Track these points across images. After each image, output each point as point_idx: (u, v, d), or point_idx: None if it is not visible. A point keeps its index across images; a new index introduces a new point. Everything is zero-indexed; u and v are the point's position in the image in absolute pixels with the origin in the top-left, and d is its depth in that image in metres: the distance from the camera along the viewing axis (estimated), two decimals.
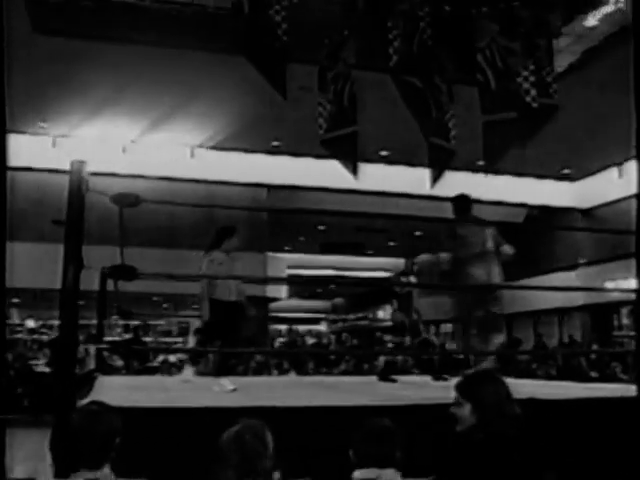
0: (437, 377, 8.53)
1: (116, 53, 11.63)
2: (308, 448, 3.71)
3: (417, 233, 22.74)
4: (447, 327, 26.17)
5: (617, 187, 17.78)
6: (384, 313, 30.85)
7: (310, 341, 28.44)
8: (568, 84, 10.18)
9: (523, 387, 5.87)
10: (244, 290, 6.96)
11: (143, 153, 16.36)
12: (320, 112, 7.99)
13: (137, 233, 14.00)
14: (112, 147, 15.99)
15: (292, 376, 14.22)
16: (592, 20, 11.26)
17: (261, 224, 17.07)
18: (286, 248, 24.22)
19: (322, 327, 34.77)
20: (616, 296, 16.90)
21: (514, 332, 21.92)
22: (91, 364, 10.02)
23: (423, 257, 8.59)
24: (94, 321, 9.36)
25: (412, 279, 9.23)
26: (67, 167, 3.92)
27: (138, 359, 16.14)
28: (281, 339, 28.69)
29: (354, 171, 8.05)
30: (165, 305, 22.19)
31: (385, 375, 8.59)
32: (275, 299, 19.71)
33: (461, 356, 12.23)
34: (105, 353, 10.33)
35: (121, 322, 20.75)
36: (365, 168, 11.75)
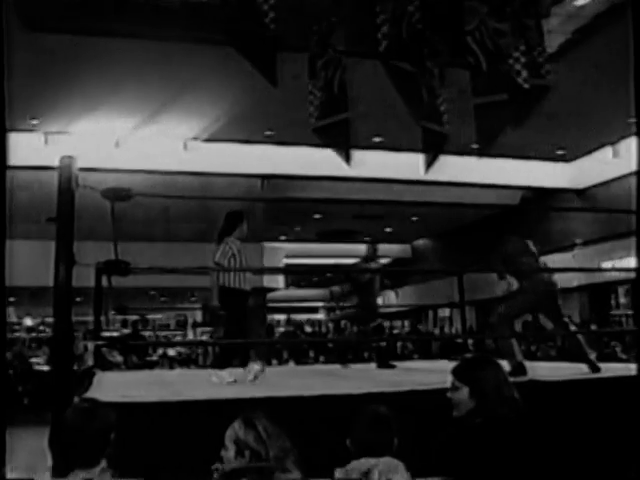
0: (383, 365, 8.49)
1: (106, 48, 11.54)
2: (310, 437, 3.70)
3: (413, 218, 22.74)
4: (444, 312, 26.27)
5: (612, 167, 17.76)
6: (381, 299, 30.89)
7: (309, 330, 28.51)
8: (560, 64, 10.14)
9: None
10: (253, 280, 6.93)
11: (136, 147, 16.30)
12: (311, 100, 7.95)
13: (132, 227, 13.97)
14: (105, 142, 15.92)
15: (292, 365, 14.23)
16: None
17: (257, 214, 17.04)
18: (282, 238, 24.20)
19: (320, 315, 34.79)
20: (613, 275, 16.92)
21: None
22: (90, 360, 10.01)
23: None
24: (92, 317, 9.34)
25: (374, 265, 9.13)
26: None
27: (137, 354, 16.15)
28: (281, 329, 28.71)
29: (347, 158, 8.02)
30: (162, 299, 22.18)
31: (384, 362, 8.58)
32: (273, 289, 19.70)
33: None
34: (104, 349, 10.30)
35: (119, 317, 20.76)
36: (358, 155, 11.72)
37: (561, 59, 10.85)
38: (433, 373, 6.41)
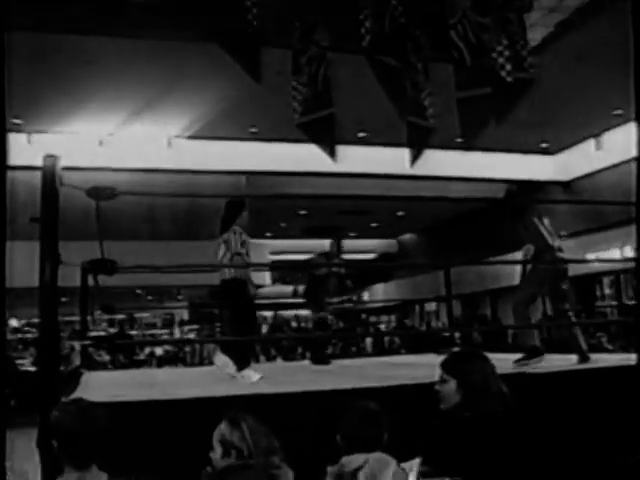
0: (318, 361, 8.42)
1: (89, 46, 11.48)
2: (300, 433, 3.70)
3: (399, 213, 22.77)
4: (431, 306, 26.33)
5: (595, 159, 17.87)
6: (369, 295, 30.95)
7: (295, 326, 28.50)
8: (542, 57, 10.18)
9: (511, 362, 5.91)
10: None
11: (120, 146, 16.21)
12: (294, 96, 7.95)
13: (117, 226, 13.91)
14: (89, 141, 15.83)
15: (279, 362, 14.22)
16: None
17: None
18: (268, 234, 24.15)
19: (307, 311, 34.79)
20: (598, 266, 17.02)
21: (499, 308, 22.08)
22: (76, 360, 9.96)
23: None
24: (78, 317, 9.29)
25: (336, 261, 9.03)
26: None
27: (124, 353, 16.09)
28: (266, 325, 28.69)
29: (332, 154, 8.02)
30: (149, 297, 22.10)
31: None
32: (259, 286, 19.67)
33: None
34: (90, 349, 10.26)
35: (105, 317, 20.66)
36: (343, 150, 11.72)
37: (543, 52, 10.89)
38: (421, 367, 6.42)
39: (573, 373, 5.35)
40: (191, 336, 24.06)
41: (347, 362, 9.69)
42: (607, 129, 17.02)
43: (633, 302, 16.46)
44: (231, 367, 6.01)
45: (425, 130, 8.06)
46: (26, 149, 14.98)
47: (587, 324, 16.26)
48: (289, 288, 33.44)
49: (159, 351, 19.24)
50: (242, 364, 6.02)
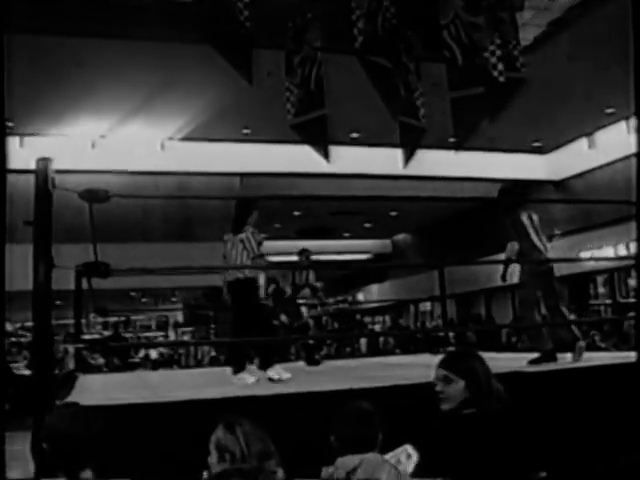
0: (311, 362, 8.59)
1: (81, 48, 11.45)
2: (295, 434, 3.70)
3: (393, 213, 22.77)
4: (425, 306, 26.33)
5: (587, 158, 17.90)
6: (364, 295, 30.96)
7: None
8: (534, 57, 10.19)
9: (507, 361, 5.92)
10: None
11: (113, 148, 16.18)
12: (288, 97, 7.96)
13: (110, 229, 13.89)
14: (81, 144, 15.80)
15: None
16: None
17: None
18: (262, 235, 24.10)
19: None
20: (592, 265, 17.05)
21: (493, 307, 22.10)
22: (71, 363, 9.94)
23: None
24: (73, 320, 9.27)
25: (304, 273, 9.20)
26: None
27: (119, 356, 16.06)
28: None
29: (325, 154, 8.04)
30: (143, 300, 22.07)
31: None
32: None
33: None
34: (85, 352, 10.23)
35: (100, 319, 20.63)
36: (336, 151, 11.74)
37: (535, 52, 10.90)
38: (416, 367, 6.42)
39: (567, 372, 5.35)
40: (186, 338, 24.05)
41: (341, 363, 9.69)
42: (599, 128, 17.06)
43: (632, 300, 16.50)
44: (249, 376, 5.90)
45: (418, 130, 8.08)
46: (19, 152, 14.95)
47: (580, 322, 16.30)
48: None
49: (154, 354, 19.22)
50: (239, 367, 5.98)
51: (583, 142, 18.15)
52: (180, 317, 25.29)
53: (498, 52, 7.16)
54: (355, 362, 9.64)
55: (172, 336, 24.95)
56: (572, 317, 17.15)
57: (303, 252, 9.47)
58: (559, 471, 3.84)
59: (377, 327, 30.21)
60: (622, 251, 15.97)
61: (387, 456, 3.04)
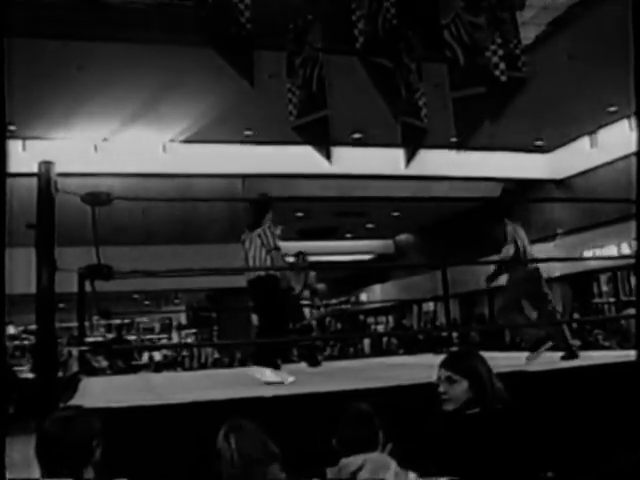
0: (313, 363, 8.58)
1: (84, 52, 11.46)
2: (299, 435, 3.70)
3: (395, 214, 22.77)
4: (429, 306, 26.32)
5: (590, 156, 17.89)
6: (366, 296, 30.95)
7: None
8: (536, 56, 10.19)
9: (510, 360, 5.91)
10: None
11: (115, 151, 16.20)
12: (290, 98, 7.97)
13: (112, 231, 13.90)
14: (84, 147, 15.82)
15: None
16: None
17: (238, 214, 16.97)
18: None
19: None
20: (594, 264, 17.04)
21: (495, 307, 22.06)
22: (75, 366, 9.94)
23: None
24: (76, 323, 9.28)
25: (302, 274, 9.19)
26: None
27: (122, 358, 16.07)
28: None
29: (328, 155, 8.04)
30: (146, 302, 22.08)
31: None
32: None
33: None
34: (88, 354, 10.24)
35: (103, 322, 20.64)
36: (338, 152, 11.74)
37: (536, 51, 10.90)
38: (419, 368, 6.42)
39: (570, 371, 5.34)
40: (189, 340, 24.05)
41: (344, 363, 9.69)
42: (602, 126, 17.04)
43: (632, 298, 16.49)
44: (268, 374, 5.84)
45: (419, 130, 8.07)
46: (21, 156, 14.97)
47: (583, 321, 16.29)
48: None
49: (157, 356, 19.23)
50: (270, 364, 5.87)
51: (585, 141, 18.14)
52: (183, 319, 25.30)
53: (499, 51, 7.16)
54: (358, 363, 9.64)
55: (175, 338, 24.95)
56: (575, 317, 17.21)
57: (299, 255, 9.46)
58: (564, 471, 3.84)
59: (380, 327, 30.21)
60: (625, 249, 15.96)
61: None
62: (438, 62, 8.13)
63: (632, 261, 14.57)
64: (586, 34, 11.36)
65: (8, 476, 2.80)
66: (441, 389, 3.18)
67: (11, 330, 20.66)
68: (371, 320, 31.68)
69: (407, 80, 7.79)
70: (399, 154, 8.55)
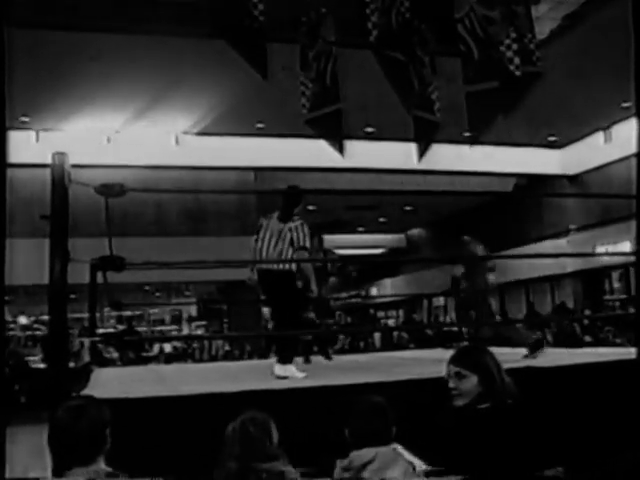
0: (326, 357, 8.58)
1: (96, 43, 11.49)
2: (310, 428, 3.70)
3: (407, 208, 22.75)
4: (439, 301, 26.29)
5: (603, 152, 17.79)
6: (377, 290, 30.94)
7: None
8: (550, 50, 10.13)
9: (520, 355, 5.91)
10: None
11: (128, 142, 16.24)
12: (303, 91, 7.95)
13: (125, 223, 13.95)
14: (96, 138, 15.87)
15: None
16: None
17: (250, 208, 17.01)
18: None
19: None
20: (606, 260, 16.96)
21: (506, 302, 22.02)
22: (86, 357, 10.00)
23: None
24: (87, 314, 9.31)
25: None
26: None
27: (133, 350, 16.14)
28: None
29: (340, 149, 8.03)
30: (157, 294, 22.15)
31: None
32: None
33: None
34: (100, 345, 10.29)
35: (114, 313, 20.72)
36: (351, 145, 11.72)
37: (551, 45, 10.84)
38: (429, 362, 6.41)
39: (578, 367, 5.32)
40: (199, 332, 24.10)
41: (355, 357, 9.69)
42: (616, 122, 16.94)
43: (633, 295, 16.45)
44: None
45: (432, 124, 8.05)
46: (34, 147, 15.03)
47: (594, 318, 16.24)
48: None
49: (168, 347, 19.29)
50: (287, 358, 5.84)
51: (599, 136, 18.03)
52: (194, 311, 25.36)
53: (514, 46, 7.11)
54: (368, 357, 9.64)
55: (186, 330, 25.02)
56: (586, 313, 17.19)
57: (327, 252, 9.28)
58: (574, 466, 3.83)
59: (391, 322, 30.20)
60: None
61: None
62: (452, 56, 8.10)
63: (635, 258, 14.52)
64: (601, 29, 11.29)
65: (13, 472, 2.82)
66: (451, 385, 3.17)
67: (23, 320, 20.78)
68: (381, 314, 31.65)
69: (420, 74, 7.76)
70: (412, 148, 8.52)
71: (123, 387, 5.06)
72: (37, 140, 15.49)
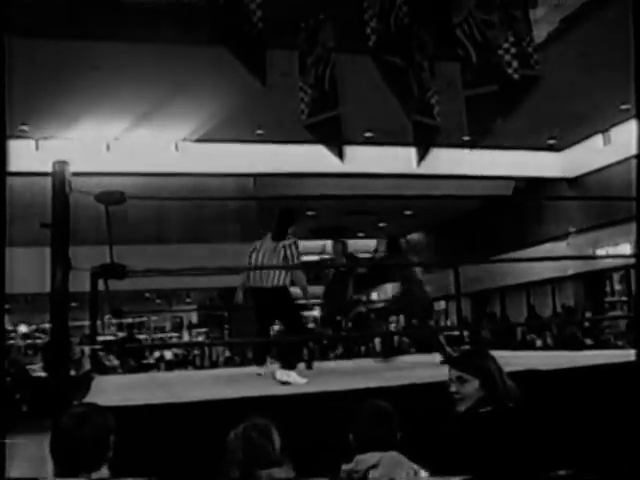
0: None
1: (96, 51, 11.50)
2: (313, 433, 3.70)
3: (407, 212, 22.74)
4: (440, 305, 26.24)
5: (602, 155, 17.78)
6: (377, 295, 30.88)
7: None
8: (548, 54, 10.14)
9: (522, 359, 5.90)
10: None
11: (128, 150, 16.25)
12: (302, 97, 7.96)
13: (126, 230, 13.94)
14: (96, 146, 15.87)
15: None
16: None
17: (250, 214, 17.00)
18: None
19: (316, 312, 34.77)
20: (607, 263, 16.95)
21: (507, 305, 22.02)
22: (87, 365, 9.97)
23: None
24: (88, 322, 9.30)
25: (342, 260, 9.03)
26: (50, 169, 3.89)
27: (134, 357, 16.11)
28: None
29: (340, 154, 8.04)
30: (158, 301, 22.14)
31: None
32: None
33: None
34: (100, 353, 10.26)
35: (114, 321, 20.70)
36: (351, 150, 11.72)
37: (549, 48, 10.85)
38: (430, 367, 6.41)
39: (580, 369, 5.32)
40: (200, 339, 24.07)
41: (355, 362, 9.67)
42: (615, 124, 16.94)
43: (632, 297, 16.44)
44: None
45: (432, 129, 8.06)
46: (34, 155, 15.04)
47: (595, 320, 16.23)
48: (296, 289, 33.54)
49: (168, 354, 19.26)
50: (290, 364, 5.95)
51: (598, 139, 18.03)
52: (194, 318, 25.33)
53: (512, 50, 7.13)
54: (369, 361, 9.60)
55: (186, 337, 24.98)
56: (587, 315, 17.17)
57: (340, 240, 9.20)
58: (576, 469, 3.82)
59: (392, 326, 30.11)
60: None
61: None
62: (451, 60, 8.11)
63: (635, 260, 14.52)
64: (599, 31, 11.30)
65: (15, 475, 2.82)
66: (453, 389, 3.17)
67: (24, 329, 20.77)
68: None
69: (419, 78, 7.78)
70: (411, 153, 8.53)
71: (125, 394, 5.05)
72: (37, 148, 15.49)
